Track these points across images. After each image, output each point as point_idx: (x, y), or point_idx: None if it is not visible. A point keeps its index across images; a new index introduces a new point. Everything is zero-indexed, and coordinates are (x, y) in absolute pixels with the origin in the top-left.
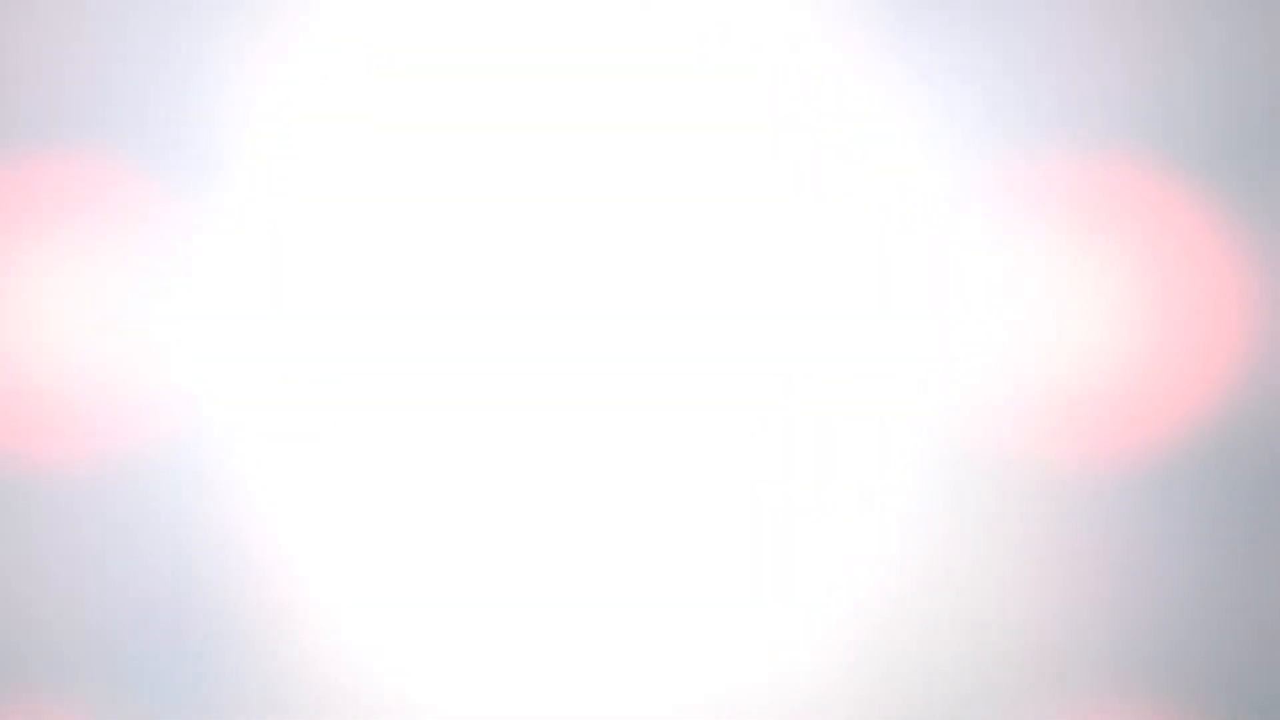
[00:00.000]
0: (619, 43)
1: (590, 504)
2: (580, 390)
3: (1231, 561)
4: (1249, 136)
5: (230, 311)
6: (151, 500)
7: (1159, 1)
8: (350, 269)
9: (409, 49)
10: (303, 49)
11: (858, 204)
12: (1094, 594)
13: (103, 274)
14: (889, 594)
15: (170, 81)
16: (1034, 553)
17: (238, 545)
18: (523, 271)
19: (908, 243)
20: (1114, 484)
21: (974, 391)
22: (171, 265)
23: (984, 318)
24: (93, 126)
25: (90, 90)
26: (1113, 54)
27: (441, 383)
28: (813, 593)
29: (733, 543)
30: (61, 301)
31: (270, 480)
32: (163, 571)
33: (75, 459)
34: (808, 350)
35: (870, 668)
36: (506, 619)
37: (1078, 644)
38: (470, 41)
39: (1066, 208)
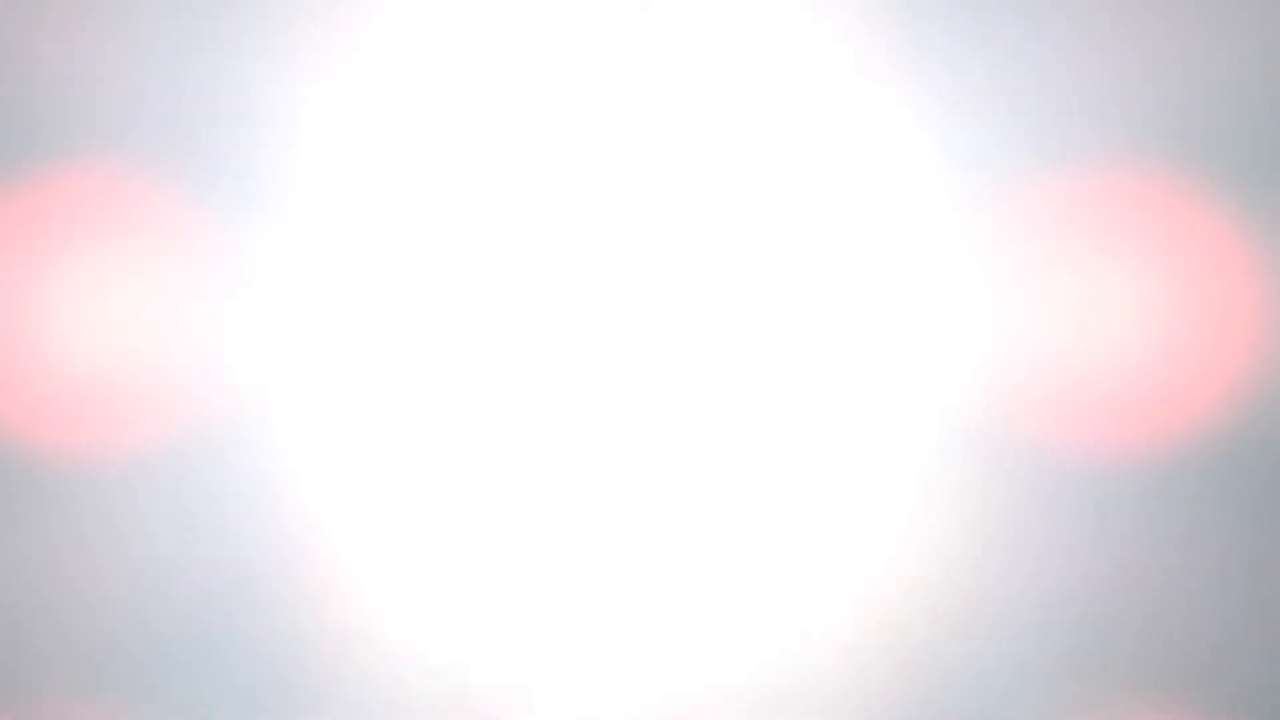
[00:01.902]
0: (634, 65)
1: (613, 492)
2: (604, 383)
3: (1243, 558)
4: (1262, 139)
5: (262, 311)
6: (179, 498)
7: (1171, 11)
8: (380, 267)
9: (441, 61)
10: (332, 58)
11: (886, 202)
12: (1109, 588)
13: (131, 276)
14: (901, 587)
15: (199, 92)
16: (1048, 547)
17: (265, 543)
18: (542, 270)
19: (934, 247)
20: (1128, 479)
21: (987, 385)
22: (201, 266)
23: (1000, 315)
24: (124, 138)
25: (120, 101)
26: (1134, 64)
27: (469, 378)
28: (826, 586)
29: (748, 534)
30: (95, 303)
31: (302, 478)
32: (194, 570)
33: (103, 456)
34: (831, 348)
35: (881, 661)
36: (536, 606)
37: (1091, 638)
38: (503, 58)
39: (1088, 211)
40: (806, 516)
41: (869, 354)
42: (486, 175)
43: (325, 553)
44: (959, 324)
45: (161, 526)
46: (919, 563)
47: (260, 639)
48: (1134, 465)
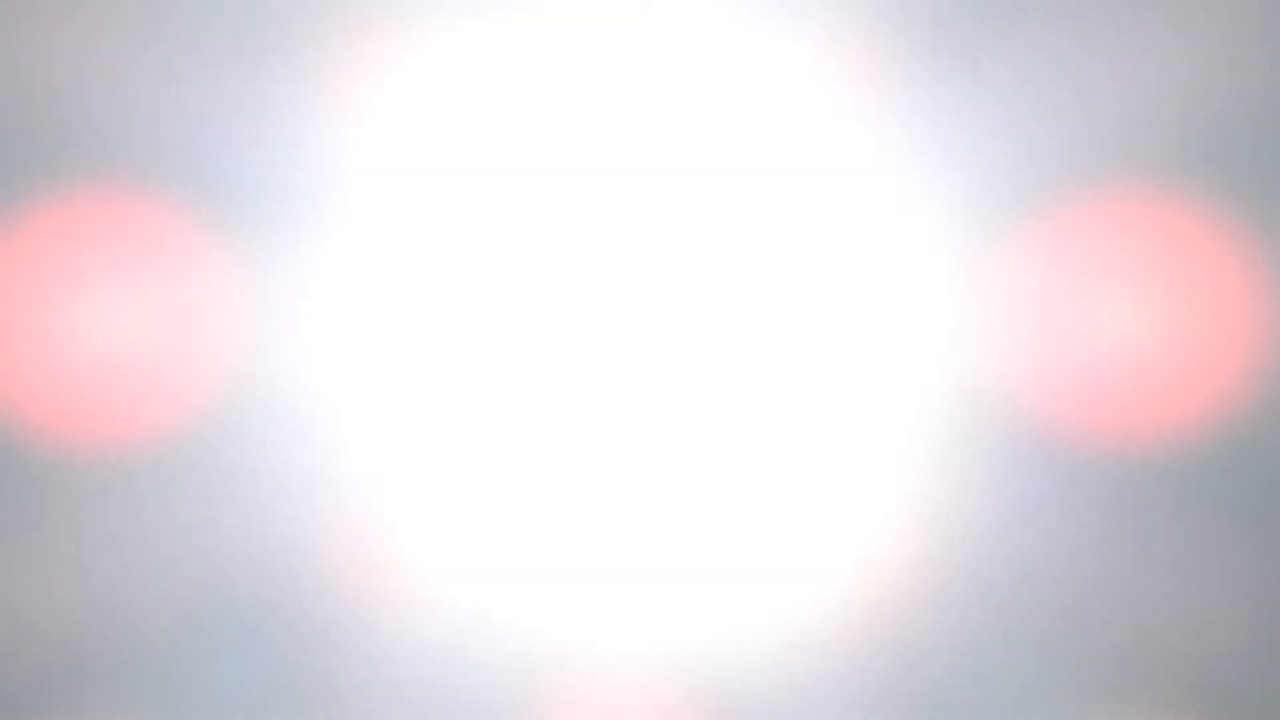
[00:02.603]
0: (644, 86)
1: (610, 481)
2: (610, 377)
3: (1243, 556)
4: (1262, 149)
5: (271, 312)
6: (187, 497)
7: (1171, 23)
8: (390, 266)
9: (453, 78)
10: (343, 73)
11: (895, 207)
12: (1109, 585)
13: (144, 280)
14: (900, 581)
15: (203, 104)
16: (1049, 544)
17: (271, 540)
18: (550, 265)
19: (944, 251)
20: (1131, 477)
21: (991, 384)
22: (215, 266)
23: (1007, 316)
24: (129, 150)
25: (127, 118)
26: (1139, 84)
27: (481, 373)
28: (830, 575)
29: (752, 521)
30: (109, 307)
31: (310, 476)
32: (204, 568)
33: (115, 455)
34: (842, 345)
35: (880, 651)
36: (554, 592)
37: (1090, 636)
38: (515, 72)
39: (1091, 215)
40: (811, 505)
41: (879, 353)
42: (497, 180)
43: (336, 549)
44: (968, 325)
45: (171, 525)
46: (919, 557)
47: (265, 636)
48: (1136, 464)
